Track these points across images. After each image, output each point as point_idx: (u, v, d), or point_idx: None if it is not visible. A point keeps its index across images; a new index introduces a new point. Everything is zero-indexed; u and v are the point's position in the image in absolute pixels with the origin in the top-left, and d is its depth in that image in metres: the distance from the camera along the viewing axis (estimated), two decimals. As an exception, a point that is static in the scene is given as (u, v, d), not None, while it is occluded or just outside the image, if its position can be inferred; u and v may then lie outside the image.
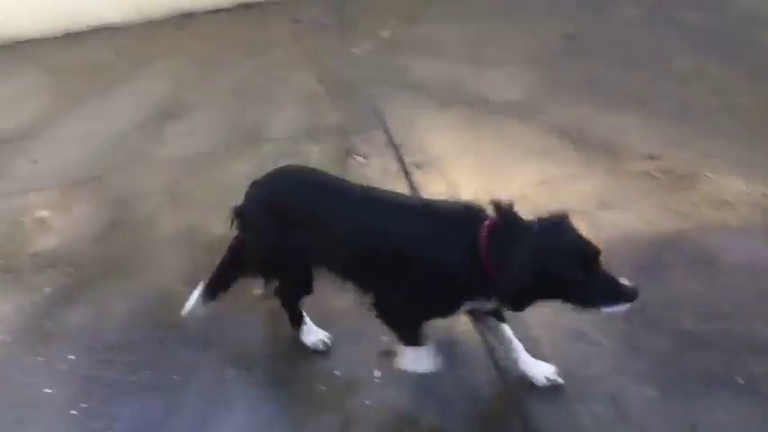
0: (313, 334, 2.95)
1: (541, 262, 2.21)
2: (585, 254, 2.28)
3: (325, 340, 2.94)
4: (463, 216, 2.41)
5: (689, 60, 4.99)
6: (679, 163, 3.87)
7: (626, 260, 3.01)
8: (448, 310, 2.53)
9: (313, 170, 2.87)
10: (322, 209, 2.61)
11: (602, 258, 2.28)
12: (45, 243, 3.77)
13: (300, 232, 2.61)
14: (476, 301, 2.46)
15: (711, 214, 3.48)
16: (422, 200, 2.67)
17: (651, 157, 3.93)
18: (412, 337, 2.59)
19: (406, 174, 3.98)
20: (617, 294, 2.28)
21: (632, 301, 2.27)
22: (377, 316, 2.59)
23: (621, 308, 2.29)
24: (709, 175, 3.75)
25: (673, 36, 5.36)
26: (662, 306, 2.91)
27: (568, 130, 4.26)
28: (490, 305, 2.49)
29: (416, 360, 2.62)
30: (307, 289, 2.83)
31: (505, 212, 2.35)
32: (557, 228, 2.31)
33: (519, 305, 2.34)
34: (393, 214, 2.53)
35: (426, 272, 2.41)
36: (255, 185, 2.78)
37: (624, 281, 2.29)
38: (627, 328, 2.82)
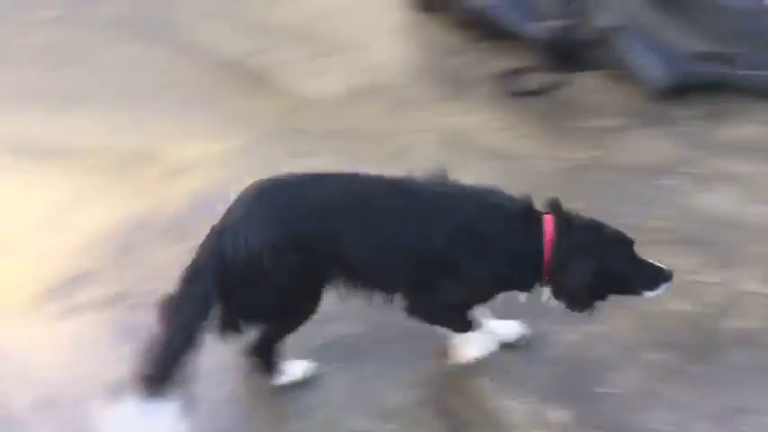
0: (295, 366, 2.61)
1: (598, 267, 2.31)
2: (628, 247, 2.39)
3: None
4: (527, 218, 2.39)
5: (117, 50, 5.16)
6: (133, 146, 4.06)
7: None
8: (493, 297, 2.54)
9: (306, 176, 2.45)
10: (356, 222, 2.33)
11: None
12: None
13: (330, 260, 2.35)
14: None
15: (177, 181, 3.78)
16: (475, 194, 2.46)
17: (107, 148, 4.04)
18: (466, 324, 2.56)
19: None
20: (657, 278, 2.39)
21: (670, 280, 2.39)
22: (420, 317, 2.52)
23: (662, 290, 2.40)
24: (164, 148, 4.03)
25: (97, 31, 5.47)
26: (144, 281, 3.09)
27: (17, 145, 4.07)
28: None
29: (480, 342, 2.60)
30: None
31: (562, 214, 2.39)
32: (598, 227, 2.40)
33: (584, 307, 2.41)
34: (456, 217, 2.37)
35: (495, 276, 2.42)
36: (245, 220, 2.28)
37: (655, 262, 2.41)
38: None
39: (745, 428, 2.44)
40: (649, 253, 2.45)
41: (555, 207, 2.41)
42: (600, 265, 2.32)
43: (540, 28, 4.71)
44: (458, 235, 2.34)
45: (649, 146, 4.06)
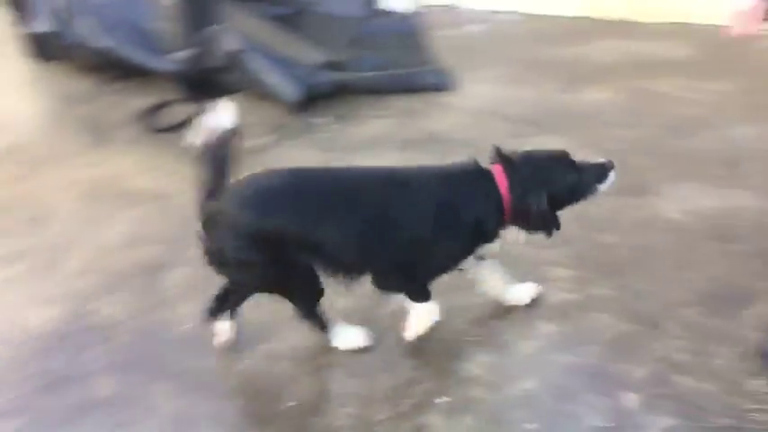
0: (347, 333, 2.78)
1: (547, 190, 2.50)
2: (566, 160, 2.58)
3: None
4: (480, 176, 2.56)
5: None
6: None
7: None
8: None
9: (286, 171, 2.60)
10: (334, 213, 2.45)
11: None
12: None
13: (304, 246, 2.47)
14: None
15: None
16: (431, 169, 2.63)
17: None
18: (425, 294, 2.67)
19: None
20: (602, 171, 2.60)
21: (614, 167, 2.61)
22: (383, 288, 2.64)
23: (611, 178, 2.61)
24: None
25: None
26: None
27: None
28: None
29: (429, 314, 2.71)
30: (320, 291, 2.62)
31: (506, 159, 2.57)
32: (535, 156, 2.59)
33: (552, 228, 2.59)
34: (419, 191, 2.52)
35: (466, 238, 2.57)
36: (233, 204, 2.47)
37: (592, 159, 2.63)
38: None
39: (407, 401, 2.61)
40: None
41: (499, 154, 2.61)
42: (552, 188, 2.55)
43: (169, 60, 4.66)
44: (437, 214, 2.51)
45: (299, 155, 4.23)
